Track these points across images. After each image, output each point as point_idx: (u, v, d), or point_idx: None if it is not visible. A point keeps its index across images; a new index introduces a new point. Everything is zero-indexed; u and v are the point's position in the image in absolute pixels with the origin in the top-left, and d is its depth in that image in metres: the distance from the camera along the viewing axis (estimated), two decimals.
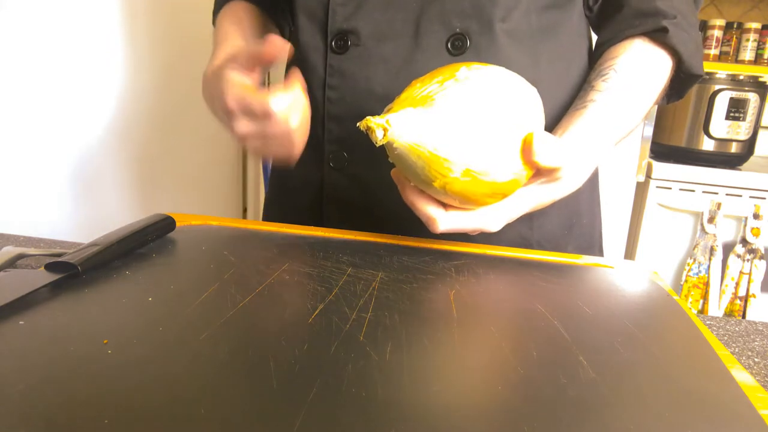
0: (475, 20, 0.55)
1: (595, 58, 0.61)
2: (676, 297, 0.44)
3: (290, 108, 0.47)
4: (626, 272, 0.49)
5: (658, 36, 0.56)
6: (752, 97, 1.52)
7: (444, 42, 0.56)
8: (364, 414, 0.26)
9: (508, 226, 0.63)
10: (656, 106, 1.49)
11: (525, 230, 0.62)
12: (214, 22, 0.70)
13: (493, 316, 0.36)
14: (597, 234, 0.70)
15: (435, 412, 0.26)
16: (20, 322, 0.32)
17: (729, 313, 1.53)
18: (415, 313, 0.36)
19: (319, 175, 0.62)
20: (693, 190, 1.52)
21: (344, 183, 0.60)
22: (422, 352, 0.32)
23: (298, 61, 0.62)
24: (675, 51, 0.56)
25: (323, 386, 0.28)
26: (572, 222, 0.65)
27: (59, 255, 0.56)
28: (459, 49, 0.56)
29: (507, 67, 0.57)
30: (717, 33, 1.87)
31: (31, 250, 0.56)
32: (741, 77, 1.54)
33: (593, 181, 0.69)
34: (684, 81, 0.60)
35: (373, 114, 0.49)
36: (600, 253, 0.70)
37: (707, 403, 0.29)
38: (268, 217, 0.71)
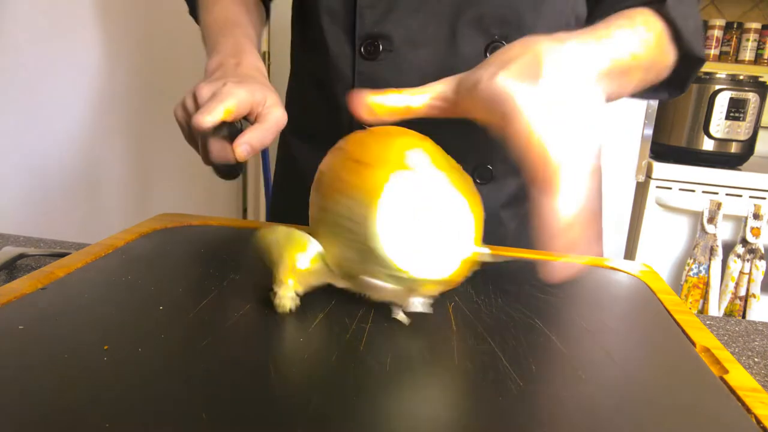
0: (514, 28, 0.53)
1: None
2: (672, 299, 0.44)
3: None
4: (623, 276, 0.49)
5: (656, 7, 0.52)
6: (752, 97, 1.52)
7: (482, 49, 0.54)
8: (364, 424, 0.26)
9: (520, 229, 0.63)
10: (656, 107, 1.49)
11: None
12: (192, 10, 0.67)
13: (491, 329, 0.36)
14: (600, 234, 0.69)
15: (435, 425, 0.26)
16: (20, 327, 0.32)
17: (729, 313, 1.53)
18: (415, 325, 0.36)
19: None
20: (693, 190, 1.52)
21: None
22: (422, 363, 0.32)
23: (322, 65, 0.59)
24: (673, 24, 0.52)
25: (323, 396, 0.28)
26: None
27: (59, 255, 0.56)
28: None
29: None
30: (717, 33, 1.87)
31: (31, 250, 0.56)
32: (741, 77, 1.54)
33: (598, 184, 0.68)
34: (686, 67, 0.56)
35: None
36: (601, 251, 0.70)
37: (704, 414, 0.29)
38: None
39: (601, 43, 0.45)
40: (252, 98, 0.48)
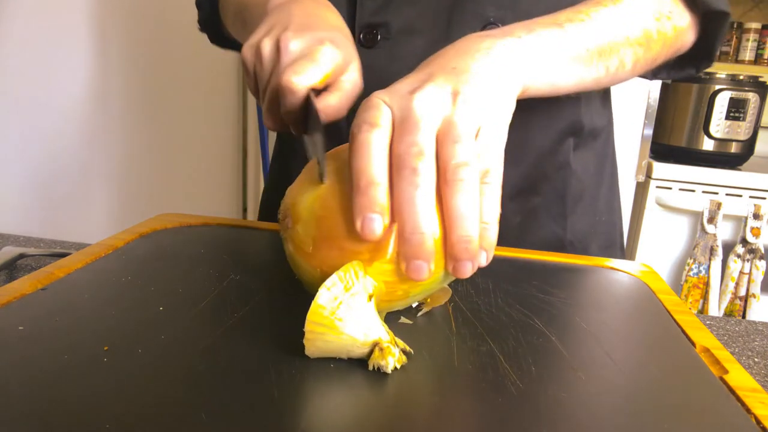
0: (510, 11, 0.53)
1: None
2: (672, 299, 0.44)
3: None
4: (623, 276, 0.49)
5: None
6: (752, 97, 1.52)
7: (477, 32, 0.54)
8: (364, 426, 0.26)
9: (541, 226, 0.61)
10: (655, 107, 1.49)
11: (559, 230, 0.61)
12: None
13: (491, 330, 0.36)
14: (618, 232, 0.68)
15: (434, 426, 0.26)
16: (20, 328, 0.32)
17: (729, 313, 1.53)
18: (415, 326, 0.36)
19: None
20: (693, 190, 1.52)
21: None
22: (422, 364, 0.32)
23: None
24: None
25: (324, 397, 0.28)
26: (595, 219, 0.64)
27: (59, 255, 0.56)
28: None
29: None
30: None
31: (31, 250, 0.56)
32: (741, 77, 1.54)
33: (612, 178, 0.68)
34: (710, 30, 0.53)
35: None
36: (621, 250, 0.69)
37: (704, 414, 0.29)
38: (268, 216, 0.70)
39: (563, 31, 0.43)
40: (344, 63, 0.42)
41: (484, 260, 0.32)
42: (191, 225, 0.53)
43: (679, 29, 0.52)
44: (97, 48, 1.55)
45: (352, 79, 0.43)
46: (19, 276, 0.52)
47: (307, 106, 0.41)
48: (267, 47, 0.42)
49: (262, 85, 0.44)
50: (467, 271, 0.32)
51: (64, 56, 1.55)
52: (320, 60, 0.40)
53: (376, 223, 0.30)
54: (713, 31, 0.54)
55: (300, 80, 0.39)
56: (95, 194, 1.64)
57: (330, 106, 0.40)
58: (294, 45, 0.41)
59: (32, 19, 1.52)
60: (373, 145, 0.32)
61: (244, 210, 1.68)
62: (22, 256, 0.55)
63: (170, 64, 1.54)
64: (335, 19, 0.46)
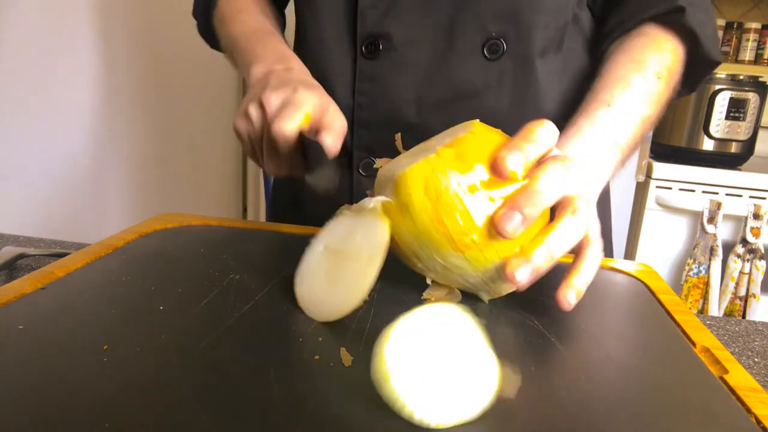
0: (512, 25, 0.54)
1: (604, 48, 0.57)
2: (671, 299, 0.44)
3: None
4: (622, 276, 0.49)
5: (674, 18, 0.53)
6: (752, 97, 1.52)
7: (480, 46, 0.54)
8: (363, 425, 0.26)
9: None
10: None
11: None
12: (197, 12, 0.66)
13: (491, 331, 0.36)
14: (608, 227, 0.68)
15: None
16: (19, 327, 0.32)
17: (729, 313, 1.53)
18: None
19: (348, 183, 0.60)
20: (693, 190, 1.52)
21: None
22: None
23: (322, 64, 0.59)
24: (692, 33, 0.53)
25: (324, 396, 0.28)
26: None
27: (59, 255, 0.56)
28: (495, 53, 0.54)
29: (540, 76, 0.55)
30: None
31: (31, 250, 0.56)
32: (741, 77, 1.54)
33: None
34: (700, 70, 0.57)
35: (403, 118, 0.52)
36: (610, 245, 0.69)
37: (704, 414, 0.29)
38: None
39: (614, 123, 0.49)
40: (322, 105, 0.46)
41: (525, 278, 0.35)
42: (192, 225, 0.53)
43: (680, 74, 0.55)
44: (98, 49, 1.55)
45: (337, 117, 0.47)
46: (19, 276, 0.52)
47: (302, 148, 0.46)
48: (253, 110, 0.47)
49: (257, 144, 0.49)
50: (522, 274, 0.34)
51: (66, 57, 1.55)
52: (299, 103, 0.45)
53: (515, 220, 0.34)
54: (703, 71, 0.58)
55: (287, 125, 0.44)
56: (95, 194, 1.64)
57: (326, 142, 0.45)
58: (275, 98, 0.46)
59: (37, 21, 1.52)
60: (545, 197, 0.36)
61: (244, 210, 1.68)
62: (22, 256, 0.55)
63: (171, 65, 1.54)
64: (308, 78, 0.52)
